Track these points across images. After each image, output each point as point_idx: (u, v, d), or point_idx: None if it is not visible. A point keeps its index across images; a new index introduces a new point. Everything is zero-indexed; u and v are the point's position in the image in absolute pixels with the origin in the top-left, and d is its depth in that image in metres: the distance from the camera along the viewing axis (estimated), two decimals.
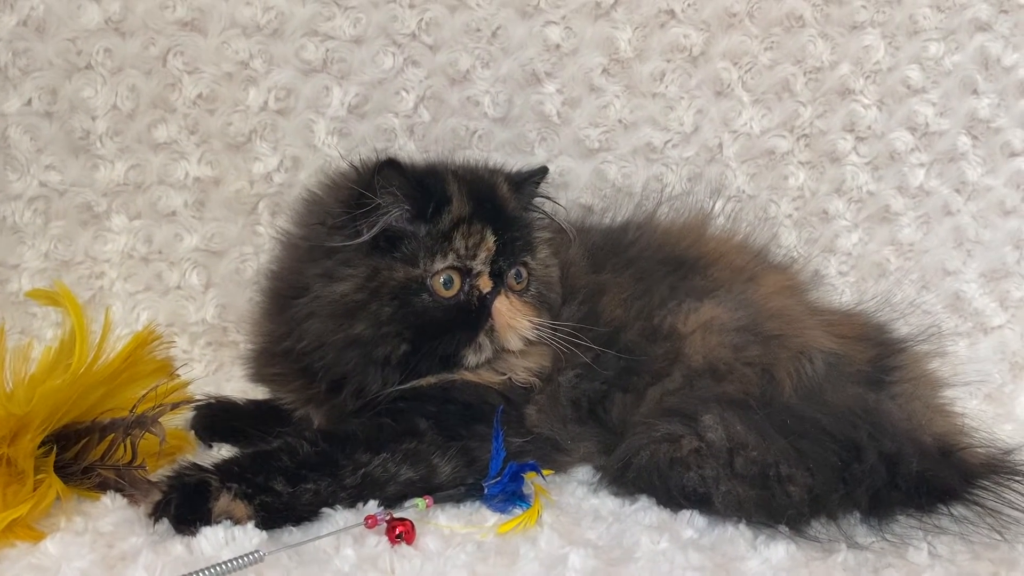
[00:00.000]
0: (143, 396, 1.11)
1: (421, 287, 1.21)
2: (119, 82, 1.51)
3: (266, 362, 1.33)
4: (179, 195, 1.57)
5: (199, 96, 1.54)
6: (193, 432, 1.32)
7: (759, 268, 1.45)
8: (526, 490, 1.15)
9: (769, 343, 1.30)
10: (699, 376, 1.28)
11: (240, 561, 0.87)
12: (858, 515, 1.16)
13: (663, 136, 1.73)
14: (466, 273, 1.23)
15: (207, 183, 1.58)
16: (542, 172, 1.41)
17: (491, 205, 1.28)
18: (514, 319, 1.25)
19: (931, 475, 1.19)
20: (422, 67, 1.61)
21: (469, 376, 1.25)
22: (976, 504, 1.18)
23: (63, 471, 1.06)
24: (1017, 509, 1.17)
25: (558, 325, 1.27)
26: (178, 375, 1.24)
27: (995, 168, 1.84)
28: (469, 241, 1.24)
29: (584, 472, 1.28)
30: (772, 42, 1.72)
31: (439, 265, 1.22)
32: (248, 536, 0.95)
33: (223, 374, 1.62)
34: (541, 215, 1.40)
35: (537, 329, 1.26)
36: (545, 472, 1.19)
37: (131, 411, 1.10)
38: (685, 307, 1.33)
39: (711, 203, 1.67)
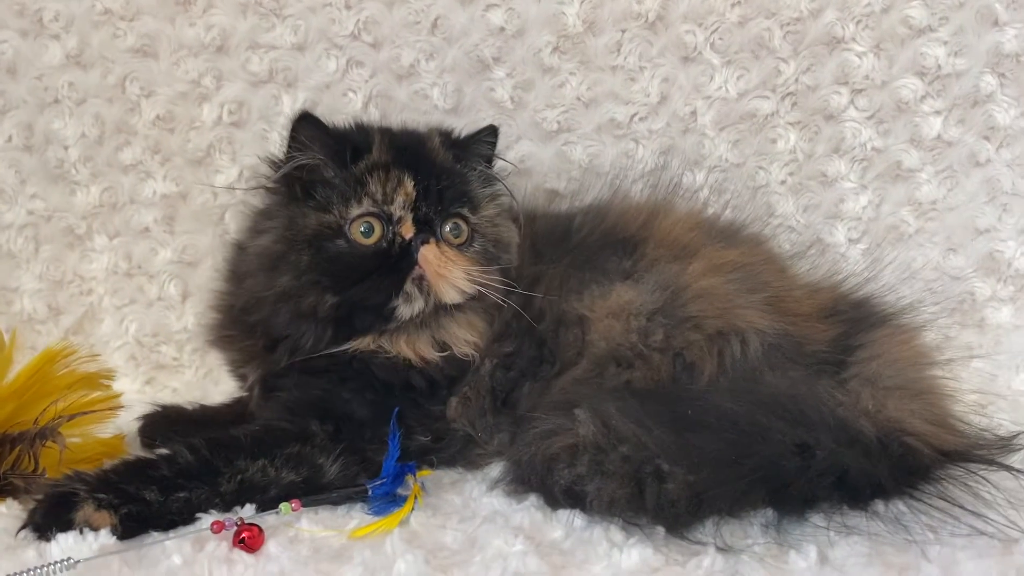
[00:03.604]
0: (44, 409, 1.18)
1: (336, 233, 1.22)
2: (84, 112, 1.61)
3: (221, 325, 1.38)
4: (149, 212, 1.66)
5: (157, 117, 1.62)
6: (140, 439, 1.40)
7: (701, 244, 1.35)
8: (403, 491, 1.14)
9: (681, 326, 1.21)
10: (604, 364, 1.22)
11: (49, 569, 0.91)
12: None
13: (627, 110, 1.64)
14: (387, 220, 1.23)
15: (174, 198, 1.66)
16: (489, 131, 1.38)
17: (414, 154, 1.28)
18: (445, 268, 1.22)
19: (857, 467, 1.07)
20: (366, 67, 1.62)
21: (406, 350, 1.24)
22: (913, 499, 1.06)
23: None
24: (960, 506, 1.04)
25: (497, 278, 1.24)
26: (107, 386, 1.31)
27: None
28: (386, 186, 1.23)
29: (498, 468, 1.25)
30: None
31: (354, 211, 1.22)
32: (99, 541, 0.99)
33: (211, 379, 1.70)
34: (493, 176, 1.37)
35: (474, 281, 1.23)
36: (424, 472, 1.17)
37: (34, 423, 1.18)
38: (594, 292, 1.27)
39: (679, 175, 1.59)
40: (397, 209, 1.23)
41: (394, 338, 1.25)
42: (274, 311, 1.24)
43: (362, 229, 1.22)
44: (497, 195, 1.36)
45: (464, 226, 1.28)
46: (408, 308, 1.22)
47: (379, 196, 1.23)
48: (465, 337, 1.27)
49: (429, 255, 1.22)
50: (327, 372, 1.24)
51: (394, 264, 1.22)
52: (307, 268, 1.21)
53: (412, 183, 1.23)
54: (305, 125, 1.24)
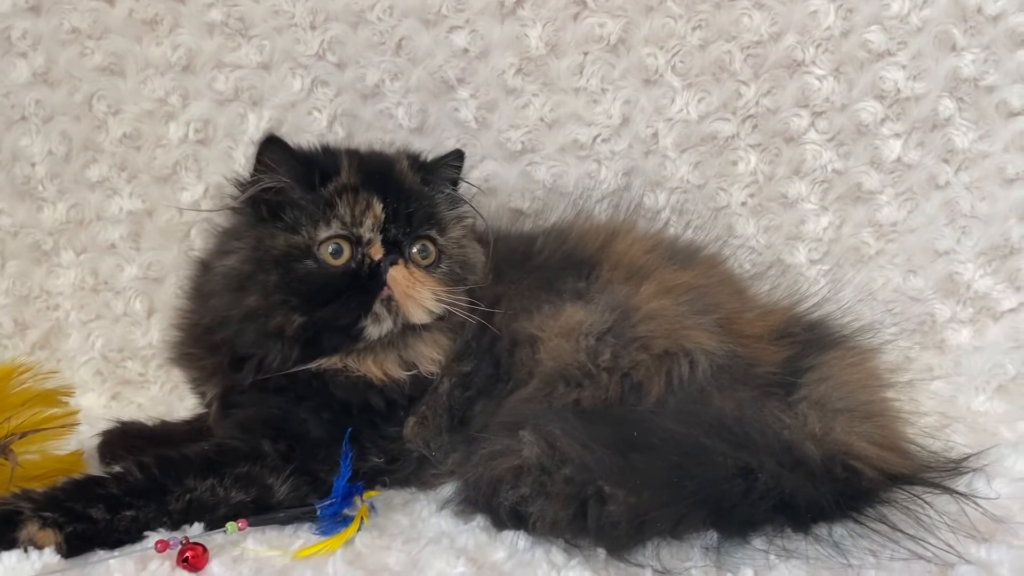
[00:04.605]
0: None
1: (305, 254, 1.23)
2: (51, 129, 1.63)
3: (182, 343, 1.38)
4: (116, 229, 1.67)
5: (124, 135, 1.64)
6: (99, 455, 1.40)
7: (656, 266, 1.36)
8: (351, 512, 1.14)
9: (629, 346, 1.22)
10: (554, 383, 1.23)
11: None
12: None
13: (590, 131, 1.66)
14: (356, 242, 1.24)
15: (140, 215, 1.67)
16: (455, 155, 1.40)
17: (382, 177, 1.29)
18: (413, 289, 1.24)
19: (799, 491, 1.08)
20: (331, 86, 1.63)
21: (373, 369, 1.25)
22: (855, 523, 1.07)
23: None
24: (899, 530, 1.05)
25: (463, 298, 1.26)
26: (65, 403, 1.32)
27: (991, 132, 1.64)
28: (355, 209, 1.24)
29: (450, 488, 1.25)
30: (700, 20, 1.61)
31: (323, 233, 1.23)
32: (43, 559, 1.00)
33: (177, 394, 1.71)
34: (459, 199, 1.38)
35: (442, 301, 1.25)
36: (371, 493, 1.18)
37: None
38: (545, 311, 1.28)
39: (641, 196, 1.61)
40: (366, 232, 1.24)
41: (361, 358, 1.26)
42: (240, 330, 1.25)
43: (331, 250, 1.23)
44: (463, 217, 1.38)
45: (432, 247, 1.29)
46: (377, 328, 1.24)
47: (348, 219, 1.24)
48: (431, 356, 1.28)
49: (398, 276, 1.23)
50: (286, 391, 1.25)
51: (363, 284, 1.23)
52: (275, 288, 1.22)
53: (381, 206, 1.25)
54: (272, 148, 1.25)
